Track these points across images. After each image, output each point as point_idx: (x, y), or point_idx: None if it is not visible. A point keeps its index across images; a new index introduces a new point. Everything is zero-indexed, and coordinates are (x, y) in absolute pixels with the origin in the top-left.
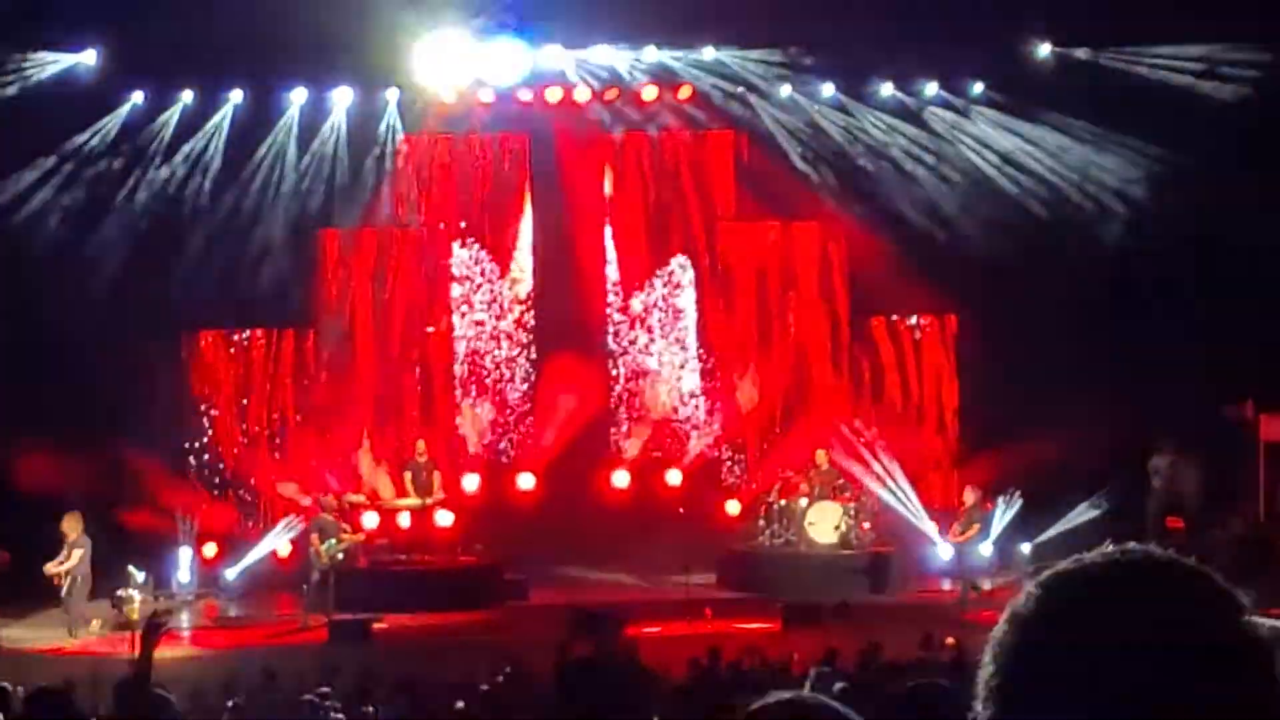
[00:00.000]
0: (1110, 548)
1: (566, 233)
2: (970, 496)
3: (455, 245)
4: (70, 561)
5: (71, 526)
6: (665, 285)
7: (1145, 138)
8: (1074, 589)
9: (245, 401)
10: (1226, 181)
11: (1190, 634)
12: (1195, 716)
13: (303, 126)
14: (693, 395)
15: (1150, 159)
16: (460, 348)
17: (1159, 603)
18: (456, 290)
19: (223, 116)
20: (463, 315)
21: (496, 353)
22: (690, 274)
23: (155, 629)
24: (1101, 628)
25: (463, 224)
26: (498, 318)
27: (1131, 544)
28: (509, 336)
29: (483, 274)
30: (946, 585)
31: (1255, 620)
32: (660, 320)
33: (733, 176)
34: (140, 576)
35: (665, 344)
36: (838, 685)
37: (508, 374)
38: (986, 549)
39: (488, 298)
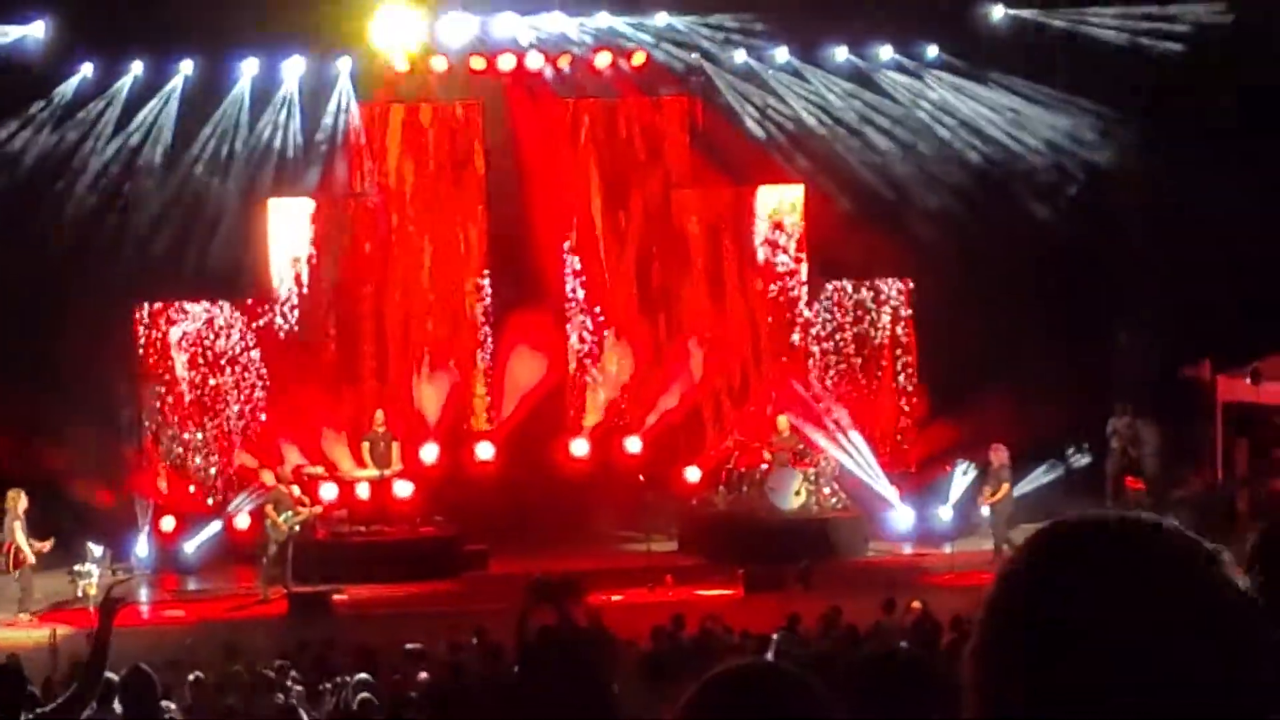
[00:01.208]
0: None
1: (521, 199)
2: (996, 458)
3: (410, 212)
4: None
5: (13, 501)
6: (621, 250)
7: (1098, 98)
8: (1060, 547)
9: (200, 373)
10: (1180, 140)
11: (1176, 593)
12: (1186, 673)
13: (255, 97)
14: (649, 363)
15: (1104, 119)
16: (416, 316)
17: (1152, 561)
18: (409, 256)
19: (173, 87)
20: (417, 283)
21: (452, 320)
22: (642, 232)
23: (112, 607)
24: (1094, 586)
25: (416, 191)
26: (453, 284)
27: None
28: (465, 304)
29: (438, 239)
30: (907, 549)
31: (1239, 577)
32: (618, 286)
33: (687, 142)
34: (98, 551)
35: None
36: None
37: (465, 342)
38: (947, 513)
39: (443, 265)
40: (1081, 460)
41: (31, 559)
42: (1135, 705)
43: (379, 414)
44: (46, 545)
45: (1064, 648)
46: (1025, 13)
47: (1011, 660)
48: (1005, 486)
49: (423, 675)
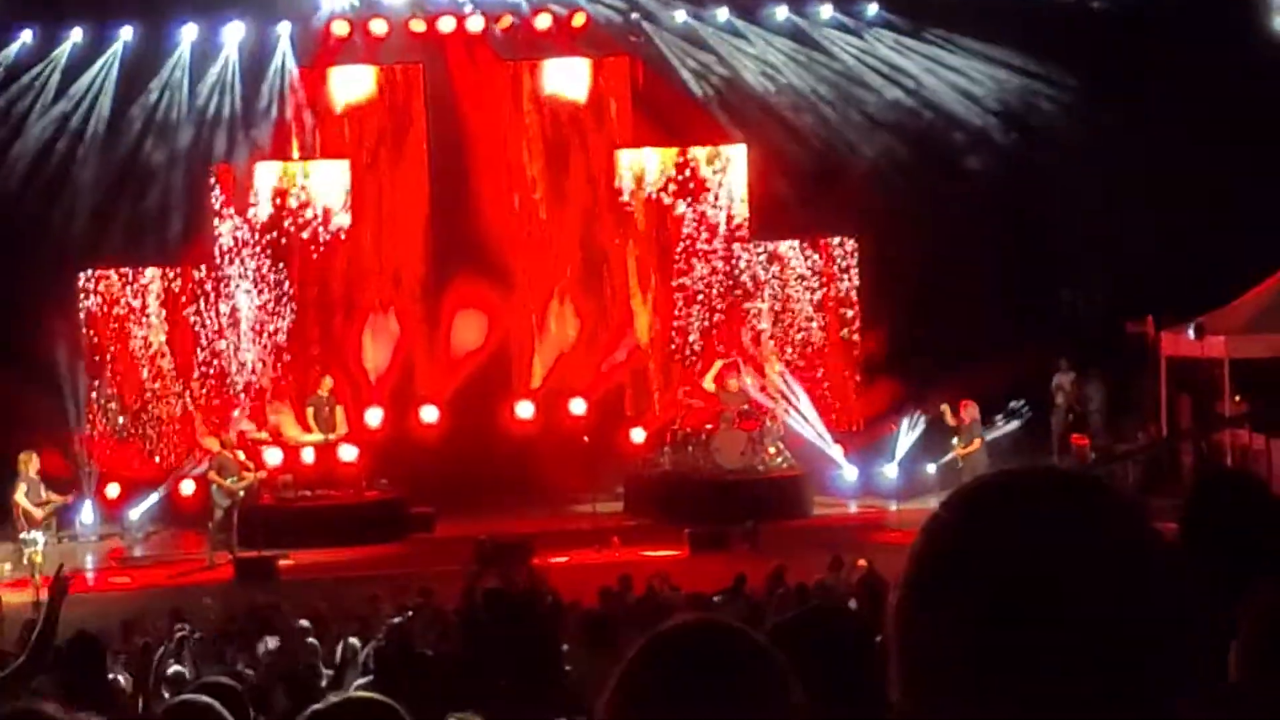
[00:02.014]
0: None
1: (464, 162)
2: (968, 413)
3: (351, 176)
4: None
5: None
6: (563, 211)
7: (1039, 54)
8: (988, 499)
9: (144, 339)
10: (1120, 94)
11: (1098, 541)
12: (1100, 621)
13: (194, 62)
14: (594, 325)
15: (1045, 76)
16: (358, 280)
17: (1069, 513)
18: (352, 220)
19: (113, 54)
20: (359, 247)
21: (395, 283)
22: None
23: (62, 589)
24: (1012, 537)
25: (357, 155)
26: (396, 248)
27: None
28: (407, 267)
29: (381, 203)
30: (853, 508)
31: (1160, 529)
32: (561, 247)
33: (629, 103)
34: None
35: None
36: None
37: (408, 305)
38: (892, 470)
39: (385, 228)
40: (1021, 418)
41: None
42: (1059, 652)
43: (326, 380)
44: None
45: (987, 598)
46: None
47: (935, 612)
48: (978, 441)
49: (367, 639)
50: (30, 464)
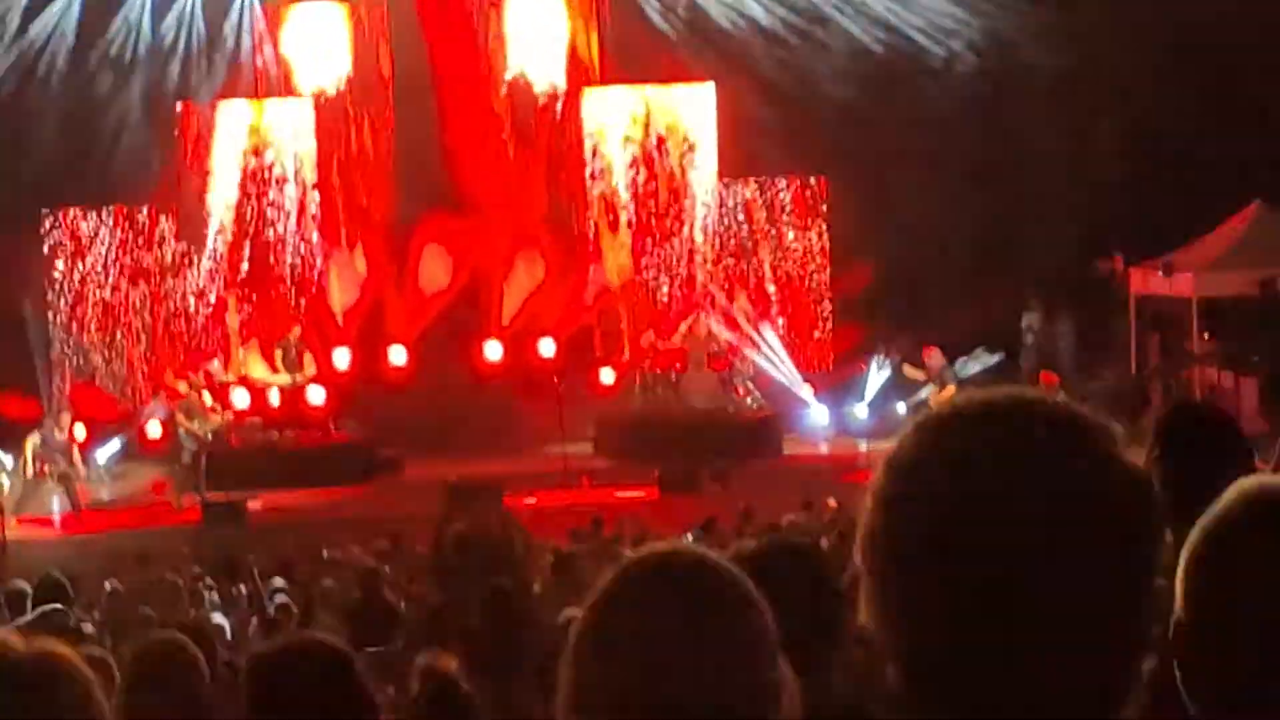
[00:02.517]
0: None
1: (429, 99)
2: (932, 361)
3: (316, 114)
4: None
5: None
6: (530, 150)
7: None
8: (947, 427)
9: (110, 281)
10: (1089, 29)
11: (1065, 465)
12: (1070, 546)
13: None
14: (568, 258)
15: (1013, 10)
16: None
17: (1032, 437)
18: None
19: None
20: (327, 186)
21: (363, 222)
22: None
23: None
24: (976, 462)
25: (320, 92)
26: (362, 186)
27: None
28: (374, 207)
29: (347, 141)
30: (823, 448)
31: (1129, 453)
32: (528, 186)
33: (597, 41)
34: (9, 461)
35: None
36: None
37: (376, 245)
38: (862, 411)
39: (351, 167)
40: (992, 359)
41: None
42: (1027, 577)
43: (295, 329)
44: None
45: (950, 527)
46: None
47: (899, 543)
48: (951, 387)
49: (328, 581)
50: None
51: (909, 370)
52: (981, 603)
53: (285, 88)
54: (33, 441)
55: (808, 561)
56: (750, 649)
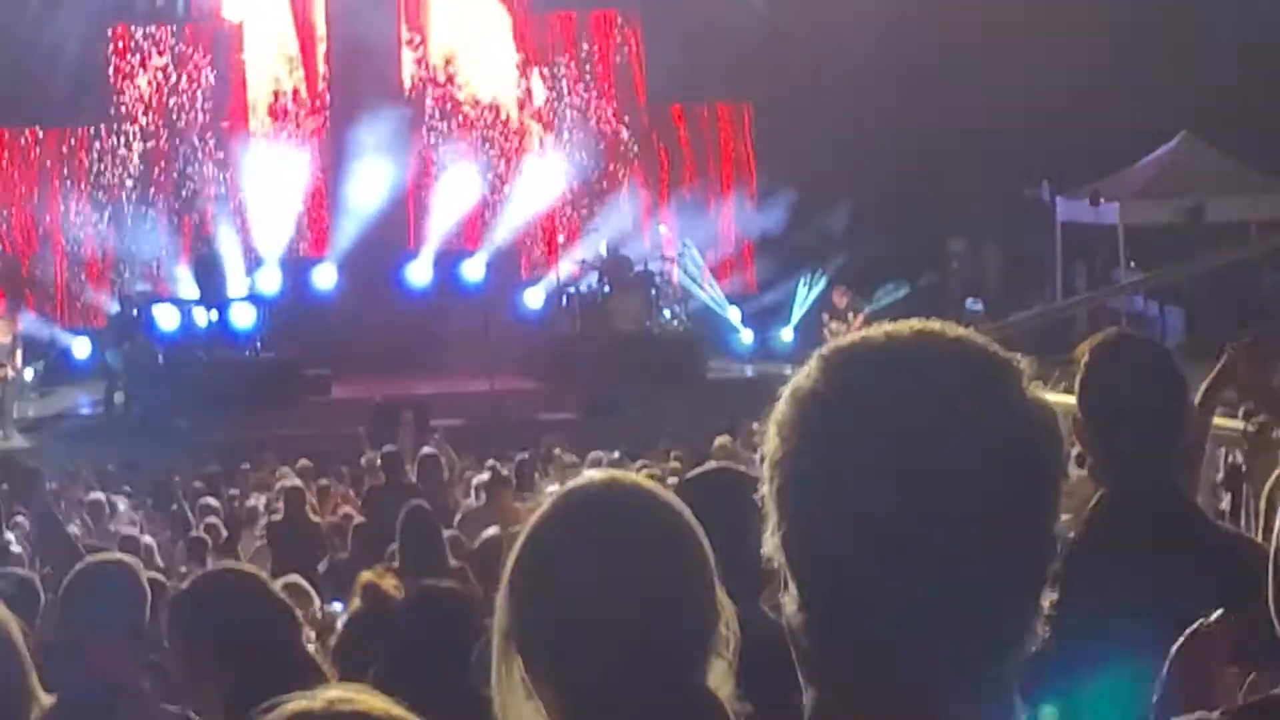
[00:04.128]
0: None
1: (361, 19)
2: (840, 300)
3: (248, 34)
4: None
5: None
6: (461, 64)
7: None
8: (852, 361)
9: (41, 202)
10: None
11: (968, 399)
12: (969, 480)
13: None
14: (491, 178)
15: None
16: (256, 136)
17: (937, 370)
18: (252, 76)
19: None
20: (258, 93)
21: (292, 138)
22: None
23: None
24: (881, 396)
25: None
26: (291, 105)
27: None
28: (303, 123)
29: (276, 60)
30: (749, 371)
31: (1039, 390)
32: (460, 99)
33: None
34: None
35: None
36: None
37: (304, 161)
38: (788, 334)
39: (281, 75)
40: (900, 291)
41: None
42: (925, 514)
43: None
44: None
45: (850, 460)
46: None
47: (798, 476)
48: (859, 318)
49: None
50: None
51: (830, 324)
52: (876, 540)
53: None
54: None
55: (740, 488)
56: (691, 577)
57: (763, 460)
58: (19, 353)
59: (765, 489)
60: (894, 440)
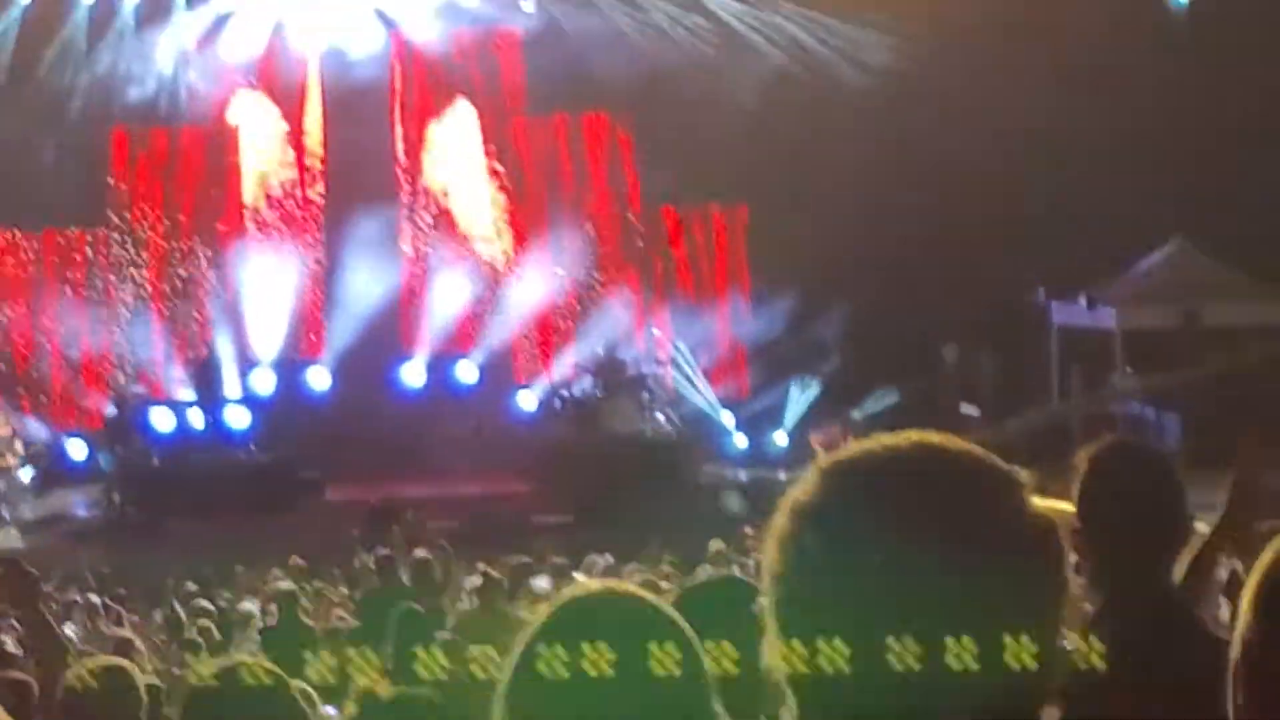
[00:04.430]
0: (887, 435)
1: (358, 120)
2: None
3: (245, 132)
4: None
5: None
6: (455, 167)
7: (931, 23)
8: (851, 475)
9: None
10: (1011, 60)
11: (968, 514)
12: (970, 597)
13: (92, 26)
14: (486, 281)
15: (924, 40)
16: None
17: (936, 485)
18: (247, 178)
19: (11, 18)
20: (253, 197)
21: (286, 233)
22: (479, 158)
23: None
24: (878, 512)
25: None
26: (289, 207)
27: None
28: (300, 227)
29: (272, 158)
30: (742, 475)
31: (1037, 501)
32: (452, 204)
33: (522, 72)
34: None
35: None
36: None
37: (299, 265)
38: (781, 438)
39: (276, 179)
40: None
41: None
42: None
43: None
44: None
45: (852, 576)
46: None
47: (800, 589)
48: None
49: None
50: None
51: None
52: (875, 658)
53: (215, 112)
54: None
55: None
56: (688, 692)
57: (758, 567)
58: (18, 443)
59: (764, 601)
60: (894, 556)
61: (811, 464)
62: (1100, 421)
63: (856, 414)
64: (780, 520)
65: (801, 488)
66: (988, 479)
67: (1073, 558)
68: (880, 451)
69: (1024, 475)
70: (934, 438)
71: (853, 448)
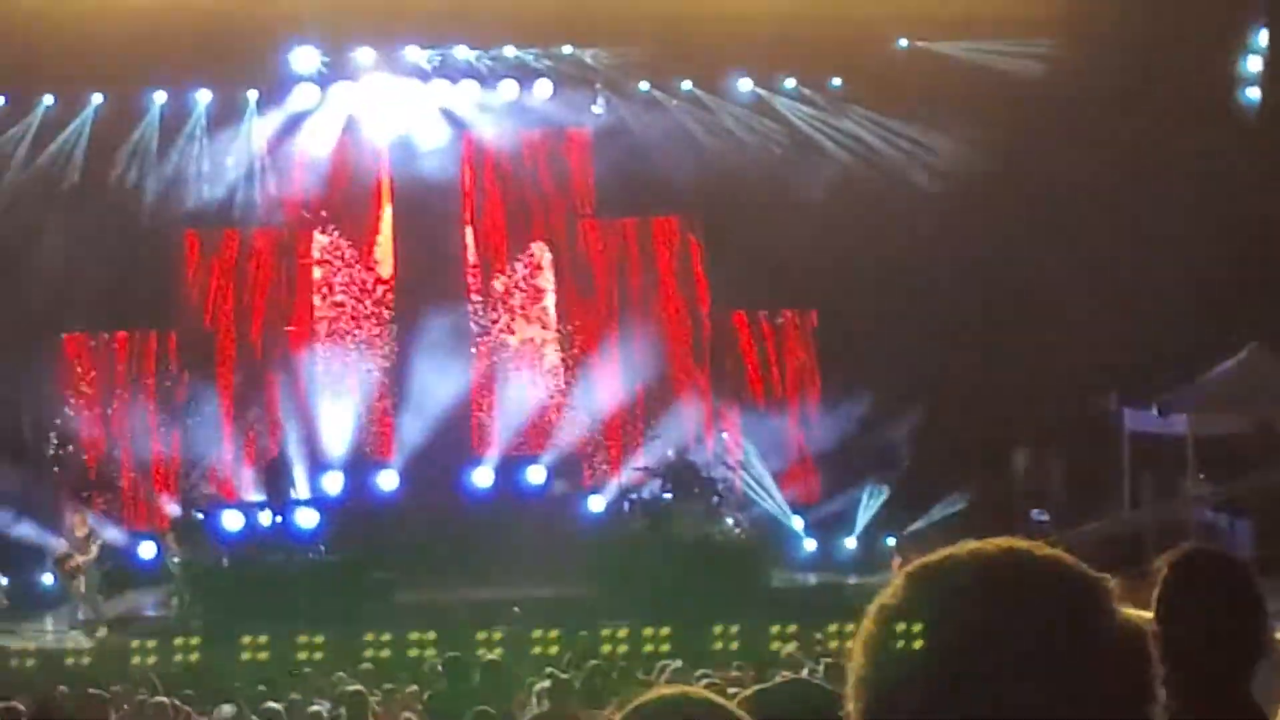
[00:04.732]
0: (974, 541)
1: (428, 228)
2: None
3: (316, 233)
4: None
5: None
6: (525, 268)
7: (996, 126)
8: (939, 581)
9: (113, 402)
10: (1083, 168)
11: (1056, 624)
12: (1061, 706)
13: (165, 128)
14: (556, 383)
15: (1005, 150)
16: (323, 342)
17: (1024, 594)
18: (317, 274)
19: (84, 119)
20: (323, 298)
21: (356, 334)
22: (548, 258)
23: None
24: (967, 620)
25: (324, 220)
26: (360, 312)
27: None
28: (371, 331)
29: (343, 259)
30: (811, 579)
31: (1122, 610)
32: (521, 304)
33: (592, 173)
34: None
35: (526, 325)
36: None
37: (369, 366)
38: (851, 543)
39: (350, 292)
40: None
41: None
42: None
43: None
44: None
45: (941, 683)
46: (927, 43)
47: (888, 694)
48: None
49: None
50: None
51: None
52: None
53: (286, 214)
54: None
55: (814, 704)
56: None
57: (825, 669)
58: (95, 546)
59: (850, 706)
60: (985, 663)
61: (897, 569)
62: (1172, 528)
63: (926, 519)
64: (867, 624)
65: (889, 592)
66: (1076, 586)
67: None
68: (967, 557)
69: (1111, 583)
70: (1021, 544)
71: (940, 553)
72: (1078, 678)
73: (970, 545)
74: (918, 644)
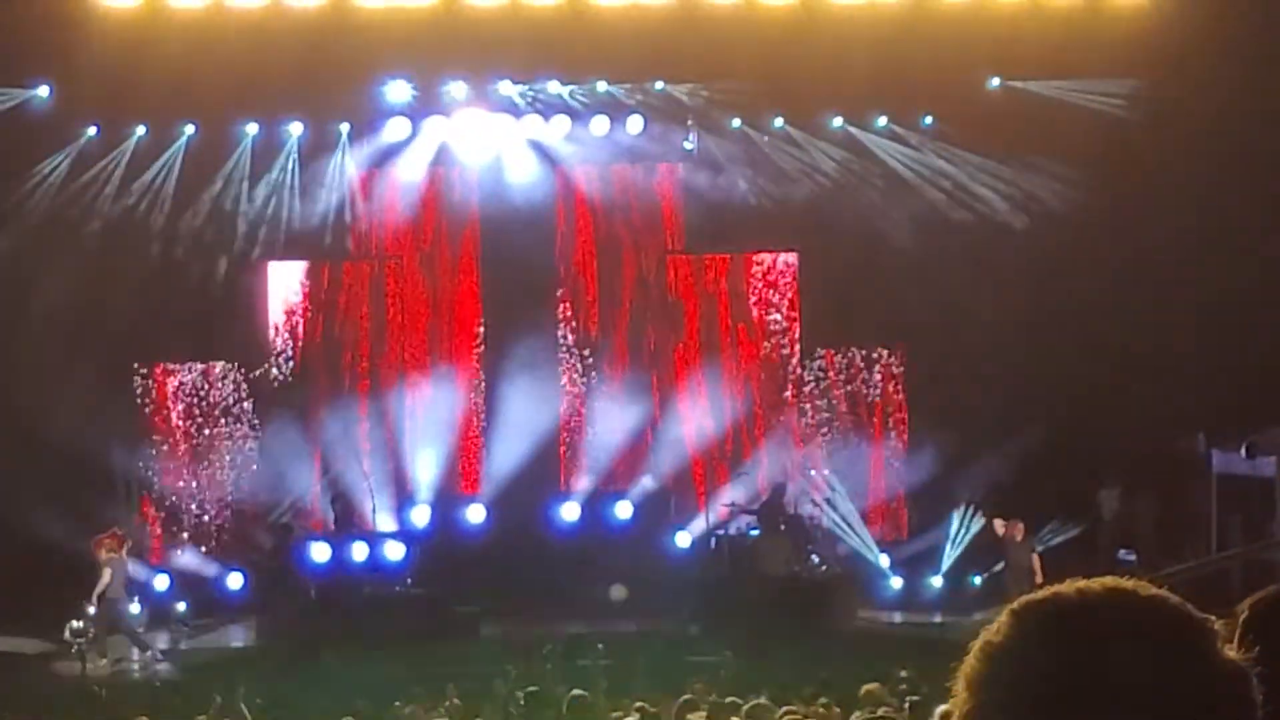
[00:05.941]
0: (1080, 580)
1: (516, 262)
2: (1015, 531)
3: (406, 266)
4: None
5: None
6: (615, 314)
7: (1090, 166)
8: (1045, 619)
9: (196, 434)
10: (1173, 205)
11: (1161, 664)
12: None
13: (255, 160)
14: (644, 419)
15: (1095, 190)
16: (409, 377)
17: (1130, 633)
18: (406, 319)
19: (176, 149)
20: (412, 331)
21: (446, 382)
22: (640, 297)
23: None
24: (1073, 658)
25: (412, 254)
26: (447, 347)
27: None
28: (458, 366)
29: (433, 292)
30: (897, 618)
31: (1230, 650)
32: (612, 340)
33: (682, 208)
34: (91, 609)
35: (615, 360)
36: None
37: (458, 400)
38: (938, 581)
39: (437, 327)
40: (1047, 542)
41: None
42: None
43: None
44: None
45: (1053, 715)
46: (1019, 83)
47: None
48: (1036, 559)
49: None
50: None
51: (997, 525)
52: None
53: (376, 247)
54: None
55: None
56: None
57: (910, 708)
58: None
59: None
60: (1090, 702)
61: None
62: (1260, 569)
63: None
64: (972, 661)
65: (994, 629)
66: (1182, 626)
67: None
68: (1073, 595)
69: (1218, 624)
70: (1126, 583)
71: (1045, 591)
72: (1181, 717)
73: (1076, 583)
74: (1023, 682)
